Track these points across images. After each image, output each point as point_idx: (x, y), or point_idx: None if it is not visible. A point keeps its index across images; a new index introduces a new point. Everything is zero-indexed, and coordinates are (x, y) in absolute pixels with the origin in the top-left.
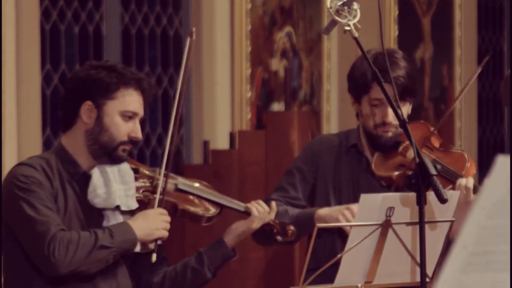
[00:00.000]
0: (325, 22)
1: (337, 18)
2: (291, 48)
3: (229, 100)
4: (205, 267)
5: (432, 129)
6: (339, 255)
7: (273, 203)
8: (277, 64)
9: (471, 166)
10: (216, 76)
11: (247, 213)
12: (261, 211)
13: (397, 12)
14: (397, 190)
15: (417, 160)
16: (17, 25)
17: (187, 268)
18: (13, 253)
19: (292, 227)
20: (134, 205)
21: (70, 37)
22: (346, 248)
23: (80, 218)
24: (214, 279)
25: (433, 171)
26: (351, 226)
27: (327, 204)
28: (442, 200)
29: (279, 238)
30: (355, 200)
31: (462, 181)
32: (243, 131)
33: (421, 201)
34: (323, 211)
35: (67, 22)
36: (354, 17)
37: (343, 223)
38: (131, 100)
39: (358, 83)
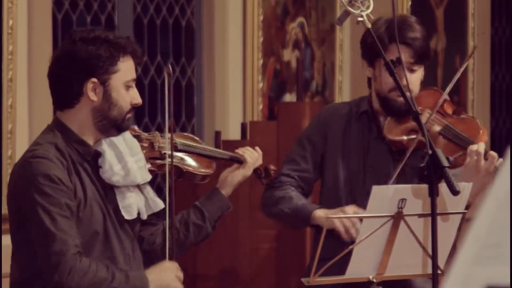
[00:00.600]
0: (338, 12)
1: (350, 8)
2: (303, 39)
3: (241, 90)
4: (207, 222)
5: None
6: (350, 247)
7: (258, 148)
8: (289, 55)
9: (483, 133)
10: (228, 66)
11: (240, 162)
12: (254, 157)
13: (410, 3)
14: (405, 156)
15: (430, 151)
16: (29, 14)
17: (189, 225)
18: (25, 248)
19: (272, 167)
20: (149, 176)
21: (82, 26)
22: (358, 239)
23: (99, 202)
24: (214, 230)
25: (445, 162)
26: (362, 217)
27: (336, 173)
28: (454, 192)
29: (264, 180)
30: (365, 167)
31: (473, 147)
32: (255, 122)
33: (433, 193)
34: (318, 212)
35: (79, 11)
36: (367, 8)
37: (356, 215)
38: (129, 68)
39: (373, 45)
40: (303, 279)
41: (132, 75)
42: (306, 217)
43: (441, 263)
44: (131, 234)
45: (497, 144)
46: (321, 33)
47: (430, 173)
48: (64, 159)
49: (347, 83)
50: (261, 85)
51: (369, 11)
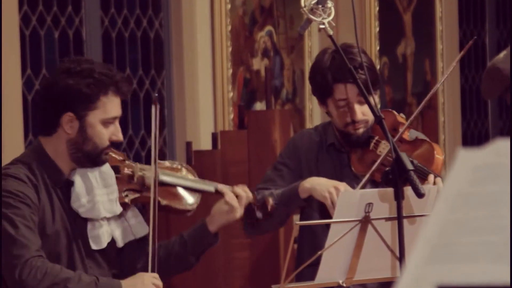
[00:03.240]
0: None
1: (311, 16)
2: (272, 47)
3: (211, 100)
4: (189, 253)
5: (400, 117)
6: (319, 252)
7: (245, 188)
8: (258, 64)
9: (439, 154)
10: (198, 77)
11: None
12: (243, 196)
13: (377, 8)
14: (375, 185)
15: (394, 155)
16: None
17: (171, 255)
18: None
19: (271, 201)
20: (118, 209)
21: (50, 42)
22: (326, 245)
23: (66, 227)
24: (198, 263)
25: (409, 166)
26: (330, 223)
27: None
28: (419, 194)
29: (259, 214)
30: None
31: (430, 179)
32: (225, 131)
33: (398, 196)
34: (308, 183)
35: (47, 27)
36: (329, 15)
37: (323, 221)
38: (111, 106)
39: (320, 86)
40: (273, 286)
41: (114, 113)
42: (294, 192)
43: None
44: (102, 263)
45: (469, 146)
46: (289, 41)
47: (395, 176)
48: (35, 179)
49: None
50: (231, 94)
51: (330, 18)
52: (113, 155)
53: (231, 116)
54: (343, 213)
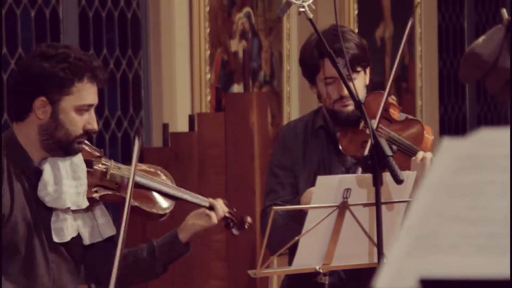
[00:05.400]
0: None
1: None
2: (250, 29)
3: (189, 82)
4: (157, 262)
5: (391, 98)
6: (296, 238)
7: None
8: (236, 45)
9: (428, 133)
10: (175, 58)
11: (206, 207)
12: (219, 209)
13: None
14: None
15: (373, 141)
16: None
17: (139, 260)
18: None
19: (249, 219)
20: (84, 203)
21: (26, 21)
22: (304, 230)
23: (27, 218)
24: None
25: (388, 152)
26: (308, 208)
27: (303, 190)
28: (398, 180)
29: (235, 231)
30: None
31: (419, 155)
32: (202, 113)
33: (377, 182)
34: (306, 199)
35: (23, 6)
36: None
37: (301, 206)
38: (87, 93)
39: (308, 65)
40: (249, 271)
41: (88, 100)
42: (298, 210)
43: (387, 252)
44: (67, 257)
45: (446, 131)
46: (268, 23)
47: (373, 162)
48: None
49: (295, 72)
50: (208, 76)
51: (310, 1)
52: (89, 150)
53: (208, 98)
54: (321, 198)
